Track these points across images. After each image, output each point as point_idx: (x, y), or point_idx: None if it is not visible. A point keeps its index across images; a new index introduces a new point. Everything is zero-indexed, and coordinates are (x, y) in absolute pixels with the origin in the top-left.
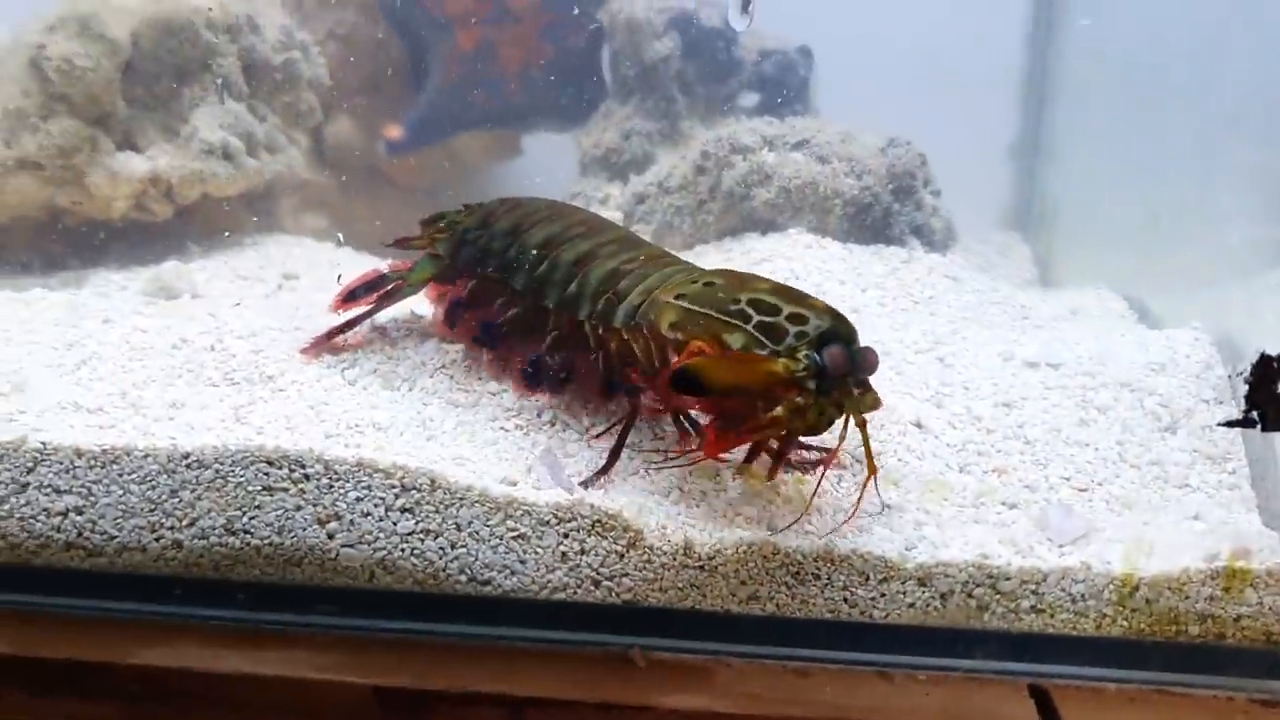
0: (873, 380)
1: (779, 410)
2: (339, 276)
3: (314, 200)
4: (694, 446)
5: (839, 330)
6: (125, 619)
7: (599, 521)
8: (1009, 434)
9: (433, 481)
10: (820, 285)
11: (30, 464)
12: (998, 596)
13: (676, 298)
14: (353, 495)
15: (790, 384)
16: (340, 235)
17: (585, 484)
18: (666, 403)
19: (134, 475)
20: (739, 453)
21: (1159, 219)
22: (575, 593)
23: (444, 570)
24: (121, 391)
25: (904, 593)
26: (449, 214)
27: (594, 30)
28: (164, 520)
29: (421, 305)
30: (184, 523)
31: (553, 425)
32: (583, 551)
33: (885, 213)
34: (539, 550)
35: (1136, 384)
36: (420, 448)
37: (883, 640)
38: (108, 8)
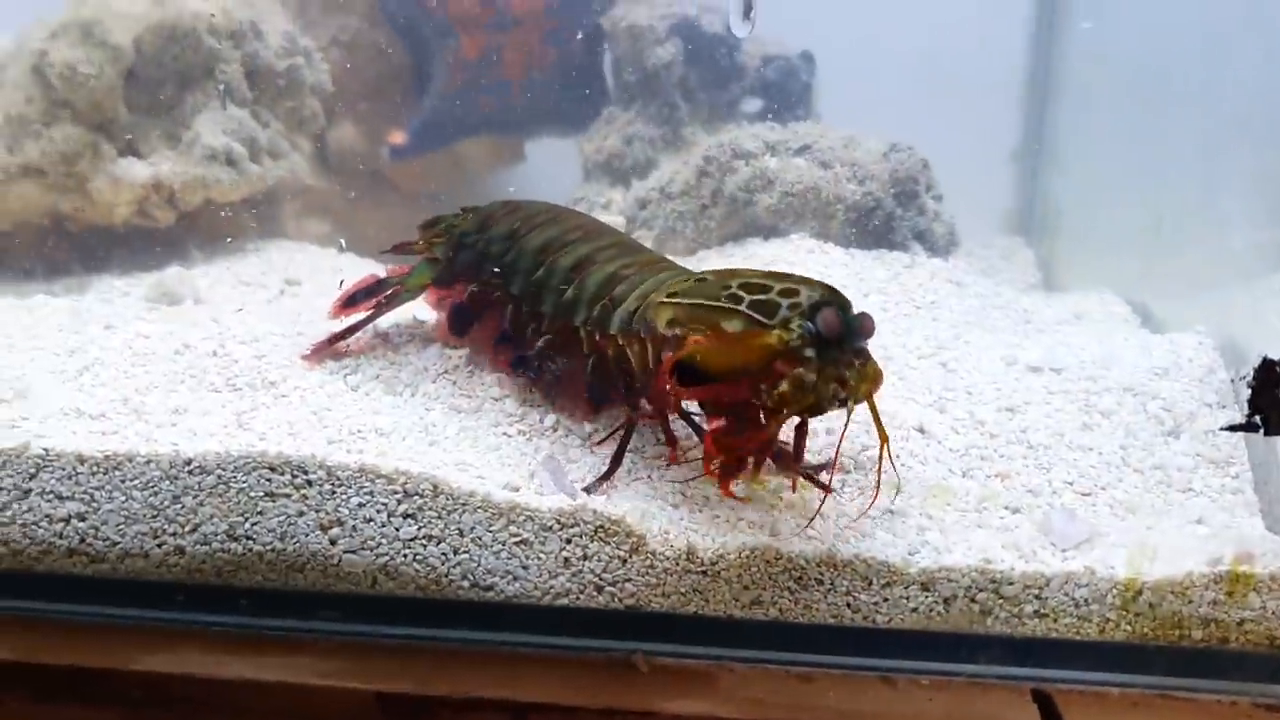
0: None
1: (783, 386)
2: (340, 282)
3: (317, 206)
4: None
5: (832, 298)
6: (128, 625)
7: (602, 527)
8: (1012, 439)
9: (435, 487)
10: None
11: (33, 470)
12: (1001, 601)
13: (670, 296)
14: (355, 501)
15: (788, 355)
16: (342, 241)
17: (588, 489)
18: (666, 402)
19: (136, 481)
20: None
21: (1162, 223)
22: (578, 598)
23: (446, 576)
24: (124, 397)
25: (907, 598)
26: (447, 218)
27: (595, 35)
28: (166, 526)
29: (423, 310)
30: (186, 529)
31: (555, 431)
32: (585, 557)
33: (888, 218)
34: (541, 555)
35: (1140, 388)
36: (423, 453)
37: (886, 645)
38: (111, 14)
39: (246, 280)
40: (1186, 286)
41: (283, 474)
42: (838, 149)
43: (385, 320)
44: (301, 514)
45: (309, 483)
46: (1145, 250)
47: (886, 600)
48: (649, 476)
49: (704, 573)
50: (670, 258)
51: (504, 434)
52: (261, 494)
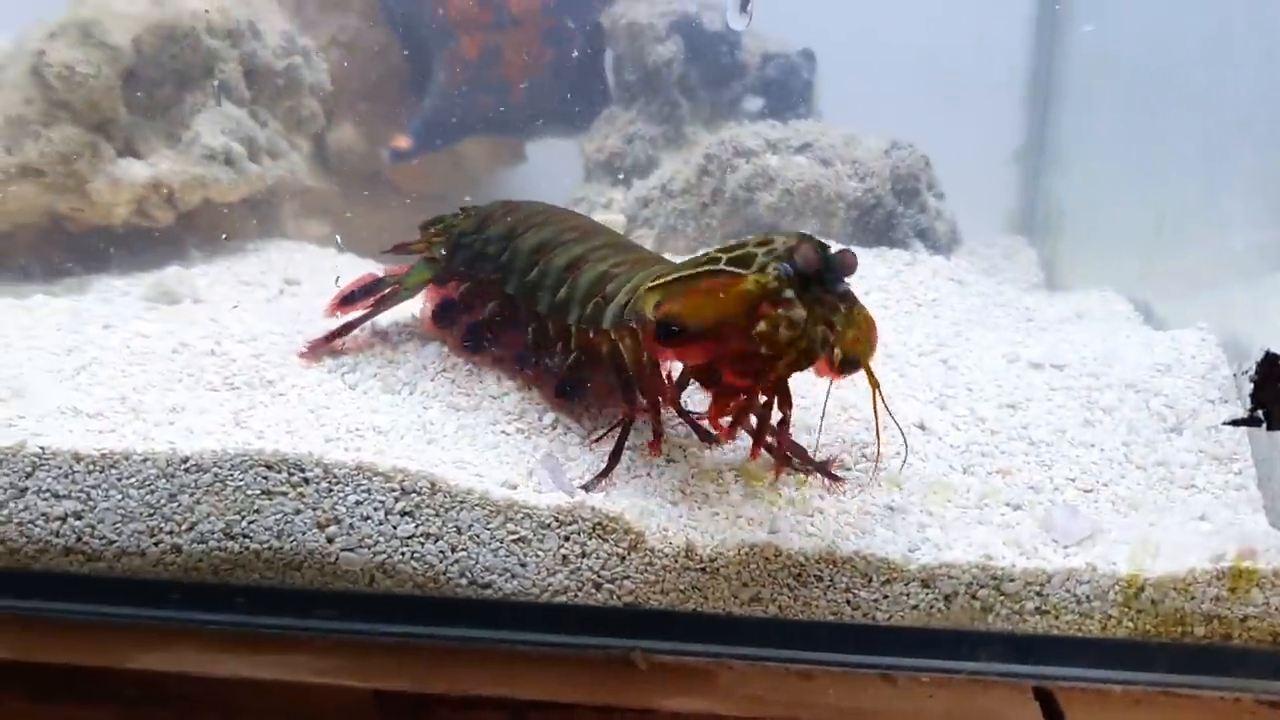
0: (890, 415)
1: (762, 326)
2: (337, 279)
3: (316, 206)
4: (705, 442)
5: (808, 239)
6: (124, 624)
7: (600, 524)
8: (1013, 435)
9: (433, 485)
10: None
11: (29, 469)
12: (1002, 598)
13: (654, 280)
14: (352, 499)
15: (769, 298)
16: (338, 238)
17: (586, 487)
18: (661, 391)
19: (133, 480)
20: (741, 452)
21: (1164, 223)
22: (576, 595)
23: (444, 574)
24: (121, 396)
25: (907, 594)
26: (447, 218)
27: (595, 34)
28: (163, 525)
29: (423, 308)
30: (183, 527)
31: (554, 429)
32: (584, 554)
33: (889, 215)
34: (540, 553)
35: (1142, 385)
36: (421, 451)
37: (886, 642)
38: (109, 14)
39: (246, 280)
40: (1189, 285)
41: (280, 472)
42: (839, 147)
43: (384, 318)
44: (299, 512)
45: (306, 481)
46: (1148, 249)
47: (887, 597)
48: (648, 474)
49: (703, 570)
50: (669, 256)
51: (502, 432)
52: (258, 492)
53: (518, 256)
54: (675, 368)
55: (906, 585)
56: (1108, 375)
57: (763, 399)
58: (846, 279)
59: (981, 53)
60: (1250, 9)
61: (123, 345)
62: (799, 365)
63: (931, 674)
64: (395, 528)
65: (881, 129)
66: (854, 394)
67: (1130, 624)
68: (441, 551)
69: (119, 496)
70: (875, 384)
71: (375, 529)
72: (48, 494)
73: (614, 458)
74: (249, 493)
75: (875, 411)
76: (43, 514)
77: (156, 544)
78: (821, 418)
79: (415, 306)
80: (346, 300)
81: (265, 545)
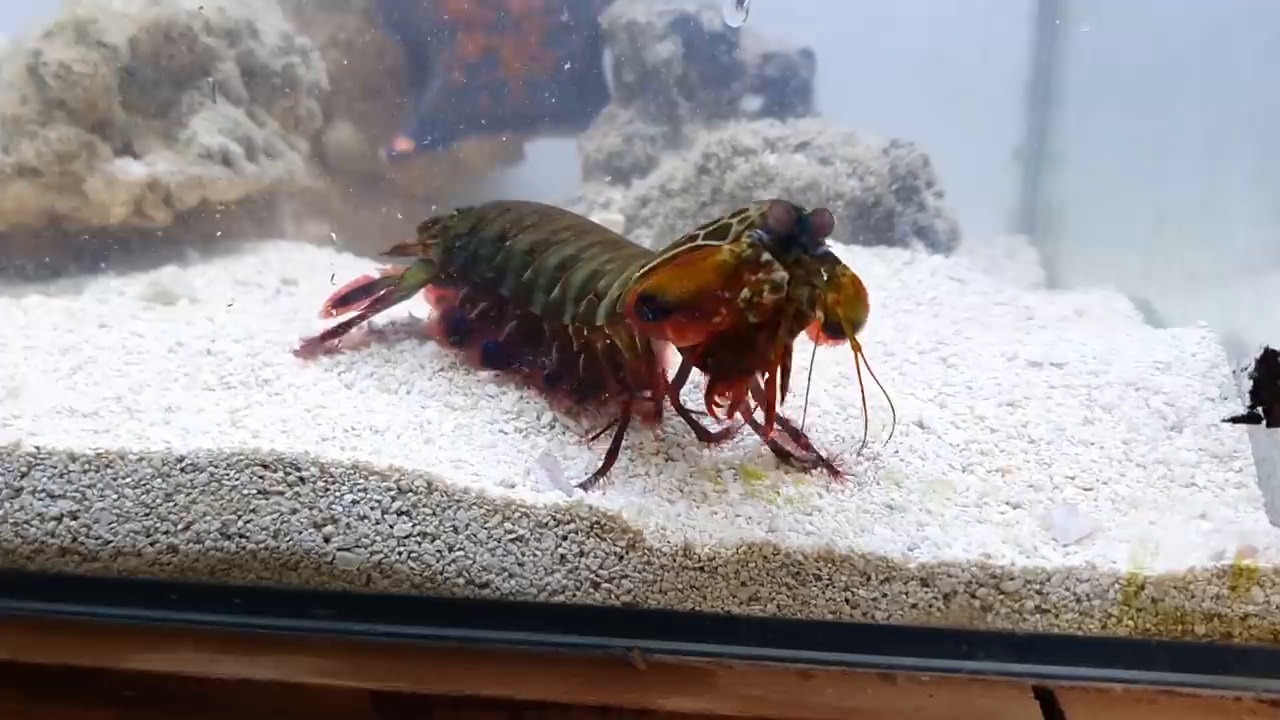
0: (876, 380)
1: (745, 293)
2: (332, 277)
3: (314, 206)
4: (704, 441)
5: (780, 202)
6: (120, 624)
7: (598, 523)
8: (1013, 433)
9: (429, 484)
10: None
11: (24, 468)
12: (1001, 597)
13: (640, 268)
14: (349, 498)
15: (748, 266)
16: (333, 235)
17: (583, 485)
18: (655, 382)
19: (128, 479)
20: (740, 451)
21: (1165, 221)
22: (574, 595)
23: (441, 573)
24: (117, 396)
25: (906, 593)
26: (443, 218)
27: (594, 34)
28: (159, 525)
29: (420, 308)
30: (179, 527)
31: (552, 428)
32: (582, 553)
33: (888, 214)
34: (537, 552)
35: (1142, 383)
36: (417, 451)
37: (885, 641)
38: (106, 14)
39: (243, 279)
40: (1189, 283)
41: (276, 471)
42: (837, 145)
43: (381, 317)
44: (295, 511)
45: (302, 480)
46: (1148, 247)
47: (886, 596)
48: (646, 473)
49: (701, 569)
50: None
51: (500, 431)
52: (254, 491)
53: (512, 258)
54: (674, 360)
55: (906, 584)
56: (1108, 373)
57: (764, 377)
58: (825, 239)
59: (981, 50)
60: (1250, 5)
61: (119, 345)
62: (793, 330)
63: (931, 673)
64: (392, 527)
65: (881, 127)
66: (853, 391)
67: (1130, 623)
68: (439, 551)
69: (115, 496)
70: (857, 348)
71: (372, 528)
72: (43, 494)
73: (611, 456)
74: (245, 492)
75: (860, 378)
76: (38, 514)
77: (152, 544)
78: (807, 387)
79: (412, 307)
80: (342, 301)
81: (262, 545)
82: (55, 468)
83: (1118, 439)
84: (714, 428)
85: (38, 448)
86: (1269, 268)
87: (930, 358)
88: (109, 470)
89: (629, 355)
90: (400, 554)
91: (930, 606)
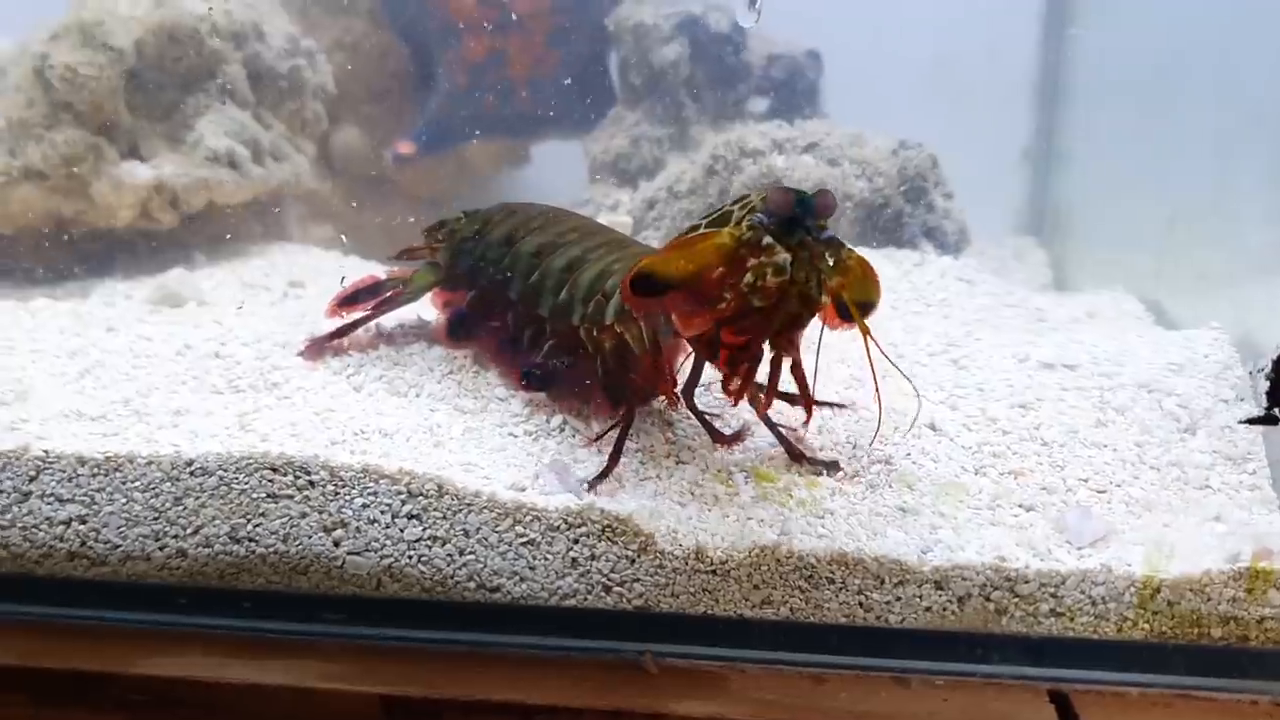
0: (887, 381)
1: (749, 277)
2: (343, 279)
3: (320, 208)
4: (716, 442)
5: (779, 186)
6: (129, 628)
7: (609, 526)
8: (1025, 436)
9: (440, 487)
10: None
11: (33, 472)
12: (1016, 600)
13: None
14: (359, 502)
15: (748, 249)
16: (343, 237)
17: (590, 485)
18: (662, 373)
19: (137, 483)
20: (752, 454)
21: (1175, 221)
22: (586, 599)
23: (452, 577)
24: (125, 399)
25: (920, 596)
26: (450, 221)
27: (600, 35)
28: (168, 528)
29: (428, 310)
30: (188, 531)
31: (561, 431)
32: (593, 557)
33: (897, 215)
34: (548, 556)
35: (1155, 385)
36: (427, 454)
37: (899, 645)
38: (112, 16)
39: (250, 282)
40: (1200, 284)
41: (285, 475)
42: (845, 146)
43: (389, 320)
44: (304, 515)
45: (311, 484)
46: (1158, 249)
47: (899, 599)
48: (657, 476)
49: (713, 572)
50: None
51: (510, 434)
52: (264, 495)
53: (519, 260)
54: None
55: (919, 587)
56: (1120, 375)
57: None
58: (827, 221)
59: (989, 51)
60: (1261, 3)
61: (126, 348)
62: (802, 315)
63: (945, 677)
64: (402, 531)
65: (888, 129)
66: (865, 393)
67: (1146, 626)
68: (449, 555)
69: (123, 500)
70: (866, 331)
71: (382, 532)
72: (52, 498)
73: (614, 456)
74: (254, 496)
75: (871, 361)
76: (47, 518)
77: (161, 548)
78: (815, 368)
79: (420, 309)
80: (348, 301)
81: (271, 549)
82: (64, 471)
83: (1131, 441)
84: (726, 430)
85: (46, 451)
86: None
87: (941, 360)
88: (118, 474)
89: (638, 350)
90: (410, 558)
91: (944, 610)
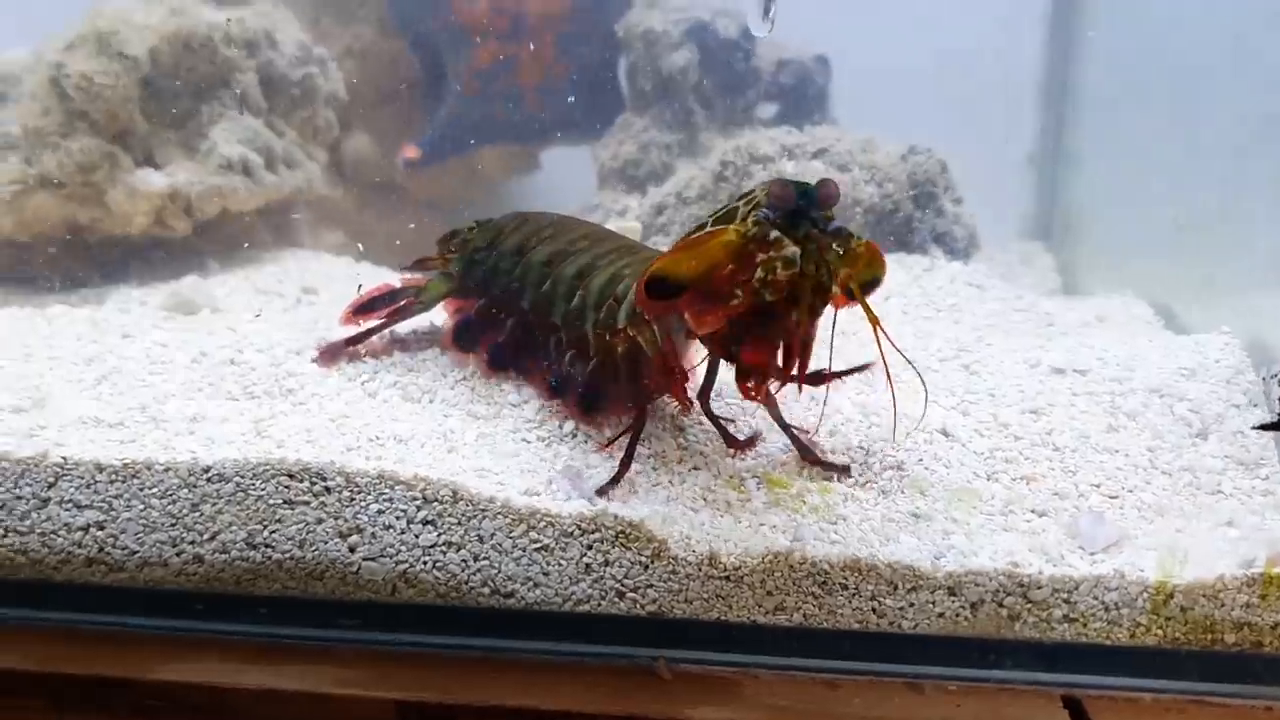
0: (896, 387)
1: (759, 273)
2: (359, 287)
3: (332, 215)
4: (730, 447)
5: (781, 179)
6: (146, 634)
7: (623, 532)
8: (1037, 441)
9: (455, 493)
10: None
11: (51, 479)
12: (1029, 605)
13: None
14: (374, 508)
15: (755, 244)
16: (360, 246)
17: (601, 491)
18: (671, 370)
19: (155, 489)
20: (764, 459)
21: (1185, 225)
22: (599, 605)
23: (467, 583)
24: (141, 405)
25: (933, 602)
26: (462, 231)
27: (610, 42)
28: (185, 535)
29: (442, 317)
30: (205, 537)
31: (574, 437)
32: (607, 563)
33: (906, 220)
34: (562, 562)
35: (1166, 390)
36: (441, 460)
37: (912, 651)
38: (127, 25)
39: (263, 289)
40: (1211, 288)
41: (301, 481)
42: (855, 152)
43: (403, 327)
44: (320, 521)
45: (327, 490)
46: (1168, 253)
47: (912, 605)
48: (670, 482)
49: (726, 578)
50: None
51: (523, 440)
52: (280, 501)
53: (530, 270)
54: (699, 367)
55: (933, 593)
56: (1131, 380)
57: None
58: (832, 209)
59: (997, 56)
60: (1269, 7)
61: (143, 355)
62: (817, 304)
63: (958, 682)
64: (417, 537)
65: (896, 133)
66: (876, 398)
67: (1159, 631)
68: (464, 560)
69: (141, 506)
70: (875, 321)
71: (397, 538)
72: (70, 504)
73: (625, 460)
74: (271, 502)
75: (880, 349)
76: (65, 524)
77: (179, 554)
78: (830, 350)
79: (434, 315)
80: (363, 309)
81: (287, 555)
82: (82, 478)
83: (1143, 446)
84: (739, 436)
85: (64, 458)
86: None
87: (952, 365)
88: (135, 480)
89: (651, 353)
90: (425, 563)
91: (957, 615)
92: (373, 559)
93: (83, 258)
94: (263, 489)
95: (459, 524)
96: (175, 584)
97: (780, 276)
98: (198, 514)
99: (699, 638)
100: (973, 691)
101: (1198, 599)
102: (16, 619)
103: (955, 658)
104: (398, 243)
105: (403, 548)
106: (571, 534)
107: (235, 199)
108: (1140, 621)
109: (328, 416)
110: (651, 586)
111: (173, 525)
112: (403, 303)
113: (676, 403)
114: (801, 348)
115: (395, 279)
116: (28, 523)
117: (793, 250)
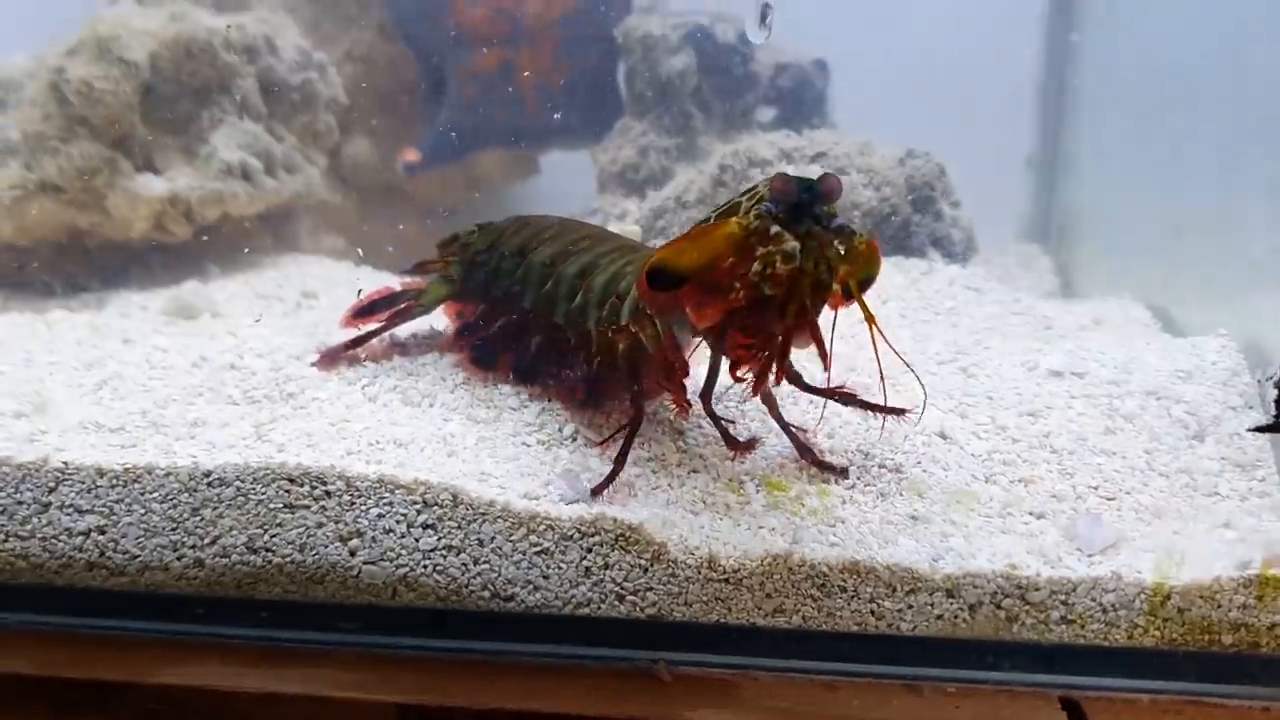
0: (893, 390)
1: (757, 266)
2: (359, 292)
3: (332, 219)
4: (730, 449)
5: (783, 174)
6: (147, 638)
7: (622, 535)
8: (1035, 443)
9: (454, 497)
10: None
11: (52, 484)
12: (1027, 607)
13: None
14: (374, 512)
15: (757, 237)
16: (360, 251)
17: (595, 491)
18: (671, 366)
19: (155, 494)
20: (763, 462)
21: (1182, 228)
22: (599, 607)
23: (467, 586)
24: (142, 410)
25: (932, 604)
26: (462, 235)
27: (609, 47)
28: (186, 539)
29: (441, 321)
30: (206, 541)
31: (574, 440)
32: (606, 566)
33: (905, 224)
34: (562, 565)
35: (1163, 392)
36: (441, 464)
37: (911, 653)
38: (127, 30)
39: (263, 294)
40: (1208, 291)
41: (301, 485)
42: (853, 156)
43: (402, 330)
44: (320, 525)
45: (328, 494)
46: (1165, 256)
47: (911, 607)
48: (669, 485)
49: (726, 581)
50: None
51: (523, 444)
52: (280, 506)
53: (532, 270)
54: (700, 368)
55: (931, 595)
56: (1128, 383)
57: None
58: (834, 207)
59: (995, 59)
60: (1266, 9)
61: (143, 360)
62: (814, 302)
63: (957, 684)
64: (417, 540)
65: (894, 137)
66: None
67: (1157, 633)
68: (464, 564)
69: (142, 511)
70: (871, 319)
71: (397, 542)
72: (71, 509)
73: (620, 460)
74: (271, 506)
75: (875, 348)
76: (66, 529)
77: (179, 558)
78: (830, 347)
79: (433, 320)
80: (363, 312)
81: (288, 559)
82: (83, 483)
83: (1140, 448)
84: (739, 437)
85: (65, 463)
86: None
87: (950, 368)
88: (136, 485)
89: (652, 349)
90: (426, 567)
91: (956, 617)
92: (373, 563)
93: (83, 263)
94: (263, 493)
95: (459, 528)
96: (176, 588)
97: (780, 270)
98: (198, 518)
99: (698, 640)
100: (971, 693)
101: (1194, 600)
102: (18, 623)
103: (953, 659)
104: (390, 249)
105: (403, 551)
106: (571, 537)
107: (235, 204)
108: (1138, 623)
109: (328, 421)
110: (651, 589)
111: (173, 530)
112: (403, 306)
113: (674, 405)
114: (803, 343)
115: (395, 282)
116: (29, 527)
117: (792, 244)
